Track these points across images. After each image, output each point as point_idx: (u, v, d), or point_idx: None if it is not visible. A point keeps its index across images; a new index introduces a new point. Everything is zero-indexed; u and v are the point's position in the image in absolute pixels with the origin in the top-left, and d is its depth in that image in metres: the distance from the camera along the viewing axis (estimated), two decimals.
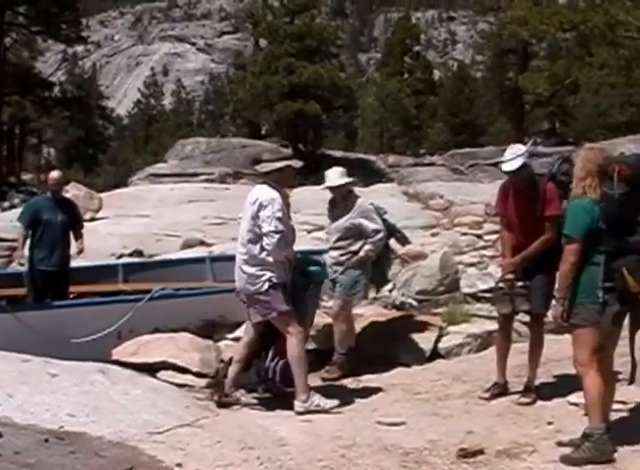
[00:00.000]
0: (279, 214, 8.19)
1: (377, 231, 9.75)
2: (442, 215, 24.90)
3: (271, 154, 8.79)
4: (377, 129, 65.77)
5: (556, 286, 6.80)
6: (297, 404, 8.14)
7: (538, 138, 58.67)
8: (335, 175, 9.88)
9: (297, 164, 8.83)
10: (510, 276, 8.29)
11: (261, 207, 8.26)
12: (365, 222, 9.75)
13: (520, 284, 8.25)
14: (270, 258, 8.24)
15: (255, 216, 8.29)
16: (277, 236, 8.15)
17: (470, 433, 7.23)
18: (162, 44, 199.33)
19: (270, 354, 8.67)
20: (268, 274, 8.26)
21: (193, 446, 6.89)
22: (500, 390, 8.41)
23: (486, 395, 8.37)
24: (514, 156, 8.16)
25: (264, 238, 8.18)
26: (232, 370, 8.65)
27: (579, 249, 6.55)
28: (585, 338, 6.57)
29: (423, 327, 10.67)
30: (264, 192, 8.40)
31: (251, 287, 8.35)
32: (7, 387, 7.94)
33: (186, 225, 22.68)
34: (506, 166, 8.21)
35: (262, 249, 8.24)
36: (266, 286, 8.23)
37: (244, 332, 9.03)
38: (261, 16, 52.62)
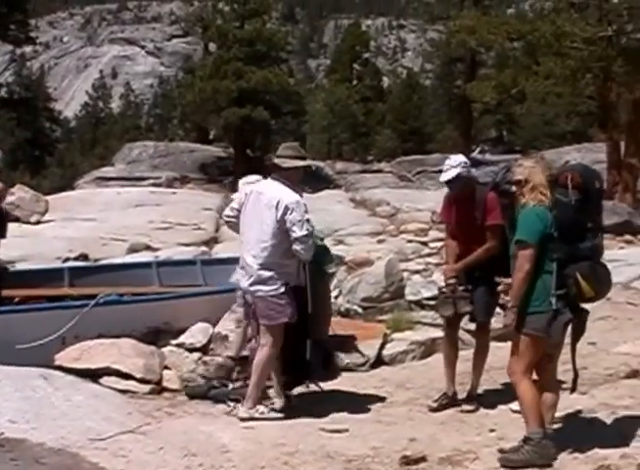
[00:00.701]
0: (307, 216, 8.15)
1: None
2: (389, 222, 25.03)
3: (292, 150, 8.56)
4: (325, 135, 65.84)
5: (503, 295, 6.80)
6: (242, 410, 8.14)
7: (486, 146, 59.24)
8: None
9: (313, 166, 8.93)
10: (452, 281, 8.35)
11: (287, 210, 8.09)
12: None
13: (461, 288, 8.31)
14: (288, 261, 8.19)
15: (280, 220, 8.11)
16: (310, 240, 8.15)
17: (413, 440, 7.28)
18: (112, 47, 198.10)
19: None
20: (286, 277, 8.19)
21: (135, 453, 6.87)
22: (448, 400, 8.42)
23: (434, 404, 8.38)
24: (449, 166, 8.29)
25: (297, 243, 8.06)
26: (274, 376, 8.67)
27: (534, 255, 6.56)
28: (529, 347, 6.58)
29: (367, 334, 10.70)
30: (285, 194, 8.23)
31: (265, 288, 8.17)
32: None
33: (132, 230, 22.56)
34: (442, 177, 8.37)
35: (285, 252, 8.14)
36: (282, 289, 8.15)
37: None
38: (211, 20, 52.51)
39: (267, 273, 8.17)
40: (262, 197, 8.32)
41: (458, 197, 8.41)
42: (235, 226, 8.73)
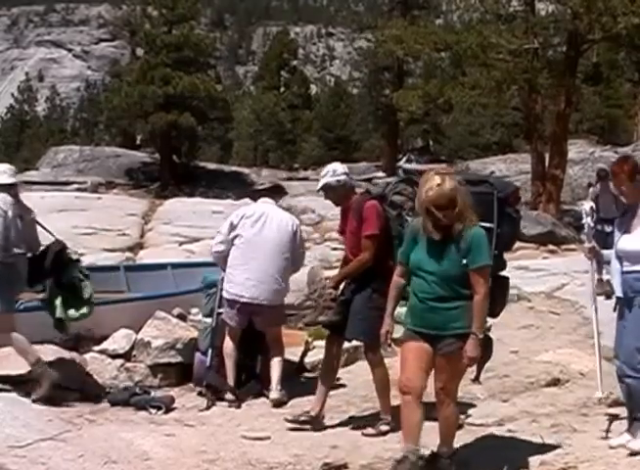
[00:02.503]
0: None
1: None
2: (313, 230, 25.10)
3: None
4: (251, 142, 65.86)
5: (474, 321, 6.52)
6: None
7: (412, 155, 59.64)
8: None
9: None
10: (330, 291, 8.27)
11: (297, 230, 9.48)
12: None
13: (331, 297, 8.22)
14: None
15: (293, 239, 9.36)
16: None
17: (334, 447, 7.29)
18: (38, 49, 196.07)
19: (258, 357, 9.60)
20: (288, 287, 9.57)
21: (55, 460, 6.81)
22: (308, 420, 8.13)
23: (290, 418, 8.17)
24: (320, 177, 8.53)
25: (299, 258, 9.63)
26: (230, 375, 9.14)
27: None
28: (464, 367, 6.43)
29: (289, 341, 10.69)
30: (289, 216, 9.70)
31: (279, 298, 9.36)
32: None
33: (56, 235, 22.29)
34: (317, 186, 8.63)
35: (293, 266, 9.54)
36: (285, 298, 9.55)
37: (227, 342, 9.27)
38: (139, 24, 52.24)
39: (283, 285, 9.35)
40: (271, 217, 9.36)
41: (343, 207, 8.44)
42: (225, 258, 9.37)
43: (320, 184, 8.43)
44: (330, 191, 8.39)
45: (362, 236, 7.98)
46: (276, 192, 9.09)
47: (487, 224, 6.55)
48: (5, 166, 9.09)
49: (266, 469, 6.89)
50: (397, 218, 7.91)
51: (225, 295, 9.24)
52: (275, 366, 9.11)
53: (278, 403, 8.84)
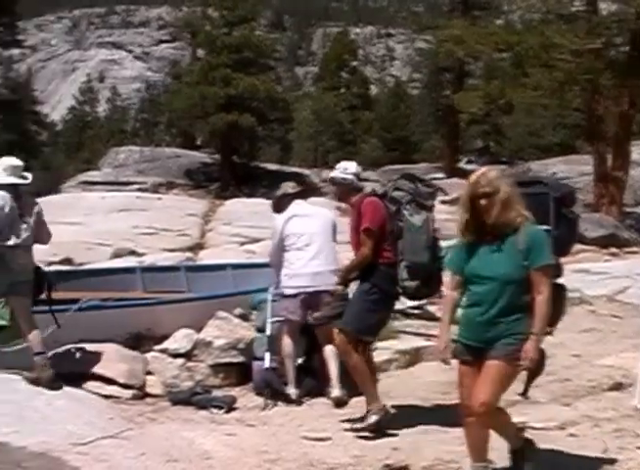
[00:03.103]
0: None
1: None
2: None
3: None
4: (311, 143, 65.87)
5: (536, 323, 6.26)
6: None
7: (472, 156, 59.32)
8: None
9: None
10: (337, 287, 8.44)
11: (335, 221, 9.79)
12: None
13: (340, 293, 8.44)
14: None
15: (334, 230, 9.64)
16: None
17: (395, 449, 7.24)
18: (99, 50, 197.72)
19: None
20: None
21: (117, 458, 6.84)
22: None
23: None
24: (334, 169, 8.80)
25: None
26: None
27: None
28: (512, 376, 6.06)
29: None
30: (326, 209, 10.18)
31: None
32: None
33: (117, 234, 22.52)
34: None
35: None
36: None
37: (285, 343, 9.32)
38: (200, 26, 52.44)
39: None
40: (313, 213, 9.74)
41: (349, 205, 8.58)
42: (279, 265, 9.57)
43: (329, 176, 8.88)
44: (335, 185, 8.70)
45: (361, 230, 8.08)
46: (305, 194, 9.34)
47: (544, 227, 6.26)
48: (6, 164, 9.37)
49: (327, 469, 6.86)
50: (396, 214, 7.94)
51: (288, 291, 9.25)
52: (332, 364, 9.04)
53: (339, 402, 8.84)
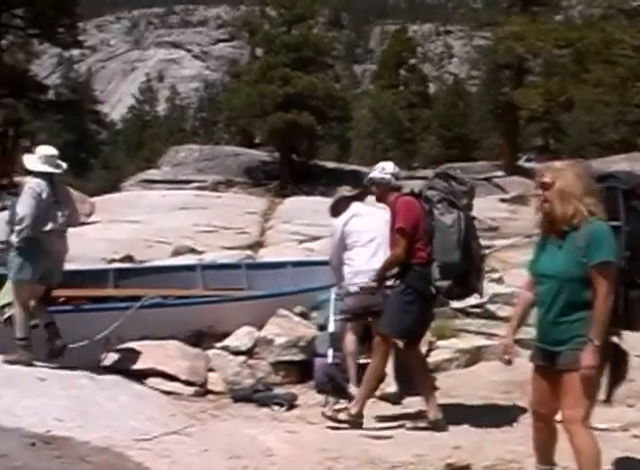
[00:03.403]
0: None
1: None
2: None
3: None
4: (370, 141, 65.74)
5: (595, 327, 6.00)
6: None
7: (532, 154, 58.85)
8: None
9: None
10: (372, 284, 8.44)
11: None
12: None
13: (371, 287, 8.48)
14: None
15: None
16: None
17: (457, 448, 7.19)
18: (158, 50, 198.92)
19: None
20: None
21: (179, 454, 6.88)
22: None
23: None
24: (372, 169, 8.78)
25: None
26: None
27: None
28: (595, 383, 5.71)
29: None
30: (381, 210, 9.32)
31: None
32: None
33: (177, 232, 22.66)
34: None
35: None
36: None
37: (348, 340, 9.28)
38: (258, 25, 52.58)
39: None
40: (369, 213, 9.56)
41: (387, 205, 8.57)
42: (339, 266, 9.55)
43: (368, 176, 8.74)
44: (374, 185, 8.64)
45: (394, 230, 8.13)
46: (362, 196, 9.48)
47: (615, 223, 5.83)
48: (42, 153, 9.73)
49: (388, 468, 6.83)
50: (429, 213, 7.95)
51: (355, 289, 9.21)
52: (389, 362, 8.97)
53: (392, 399, 8.83)
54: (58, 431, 7.15)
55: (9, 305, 9.60)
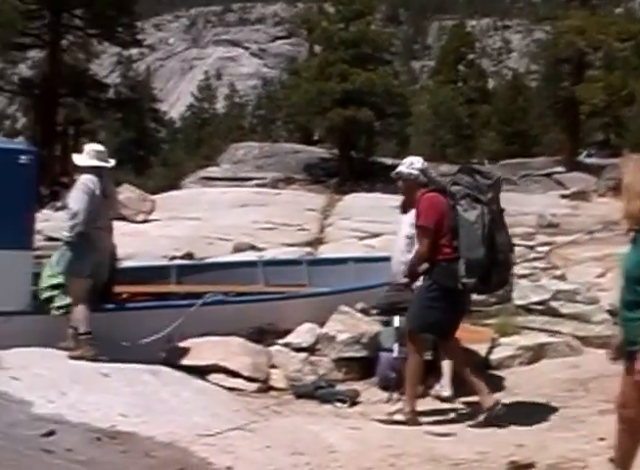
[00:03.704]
0: None
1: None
2: None
3: None
4: (429, 138, 65.47)
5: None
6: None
7: (592, 149, 58.30)
8: None
9: None
10: (402, 281, 8.49)
11: None
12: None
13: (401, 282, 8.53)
14: None
15: None
16: None
17: (520, 446, 7.15)
18: (216, 48, 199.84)
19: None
20: None
21: (243, 450, 6.91)
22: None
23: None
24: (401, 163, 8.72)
25: None
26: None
27: None
28: None
29: (474, 337, 10.56)
30: None
31: None
32: (60, 385, 8.07)
33: (236, 229, 22.78)
34: None
35: None
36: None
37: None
38: (316, 22, 52.60)
39: None
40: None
41: (413, 200, 8.55)
42: None
43: (395, 170, 8.69)
44: (400, 179, 8.63)
45: (416, 227, 8.20)
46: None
47: None
48: (91, 148, 9.91)
49: (451, 465, 6.80)
50: (453, 209, 7.92)
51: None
52: (445, 362, 8.94)
53: (449, 402, 8.79)
54: (122, 426, 7.23)
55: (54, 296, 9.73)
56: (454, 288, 7.88)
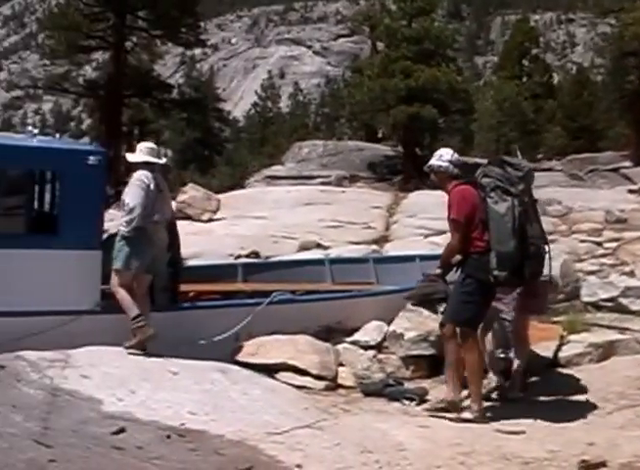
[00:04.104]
0: None
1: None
2: (560, 222, 24.48)
3: None
4: (493, 134, 64.93)
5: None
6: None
7: None
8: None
9: None
10: (436, 272, 8.52)
11: None
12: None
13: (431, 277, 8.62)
14: None
15: None
16: None
17: (591, 444, 7.08)
18: (279, 47, 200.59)
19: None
20: None
21: (312, 448, 6.92)
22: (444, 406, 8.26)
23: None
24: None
25: None
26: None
27: None
28: None
29: (543, 335, 10.47)
30: None
31: None
32: (129, 383, 8.15)
33: (302, 227, 22.80)
34: None
35: None
36: None
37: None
38: (379, 19, 52.45)
39: None
40: None
41: (446, 193, 8.57)
42: None
43: (427, 164, 8.69)
44: (432, 173, 8.64)
45: (449, 221, 8.21)
46: None
47: None
48: (143, 145, 10.04)
49: (521, 464, 6.76)
50: (483, 201, 7.97)
51: None
52: (515, 361, 8.91)
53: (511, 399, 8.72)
54: (192, 424, 7.29)
55: None
56: (486, 281, 7.90)
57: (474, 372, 8.12)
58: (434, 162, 8.57)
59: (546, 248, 8.24)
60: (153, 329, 9.16)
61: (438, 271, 8.42)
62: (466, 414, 7.99)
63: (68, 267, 9.72)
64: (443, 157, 8.56)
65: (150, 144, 10.23)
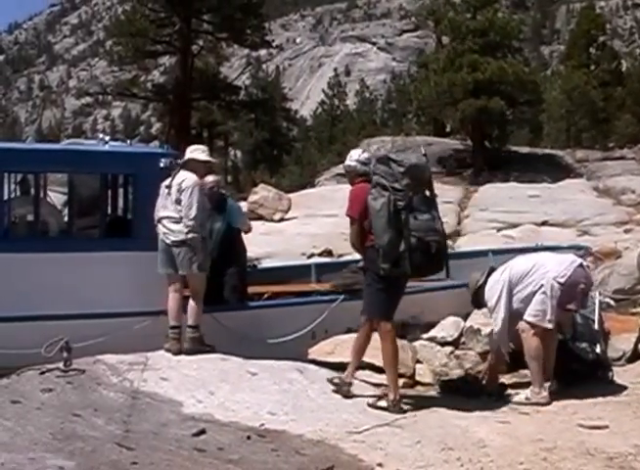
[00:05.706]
0: None
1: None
2: (635, 211, 24.19)
3: None
4: (562, 124, 64.26)
5: None
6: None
7: None
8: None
9: None
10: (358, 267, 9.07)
11: None
12: None
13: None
14: None
15: None
16: None
17: None
18: (344, 45, 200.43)
19: None
20: None
21: (392, 446, 6.91)
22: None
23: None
24: None
25: None
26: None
27: None
28: None
29: (622, 327, 10.31)
30: None
31: None
32: (208, 385, 8.23)
33: None
34: None
35: None
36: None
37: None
38: (443, 13, 52.21)
39: None
40: None
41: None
42: None
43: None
44: (346, 172, 9.19)
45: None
46: None
47: None
48: (195, 147, 10.20)
49: (606, 459, 6.66)
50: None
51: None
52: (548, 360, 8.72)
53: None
54: (271, 424, 7.33)
55: None
56: (378, 273, 8.09)
57: (389, 362, 8.31)
58: (345, 162, 9.02)
59: (441, 241, 8.34)
60: (178, 347, 9.35)
61: (361, 264, 8.71)
62: (381, 403, 8.10)
63: (142, 269, 9.79)
64: (352, 157, 8.93)
65: (200, 146, 10.37)
